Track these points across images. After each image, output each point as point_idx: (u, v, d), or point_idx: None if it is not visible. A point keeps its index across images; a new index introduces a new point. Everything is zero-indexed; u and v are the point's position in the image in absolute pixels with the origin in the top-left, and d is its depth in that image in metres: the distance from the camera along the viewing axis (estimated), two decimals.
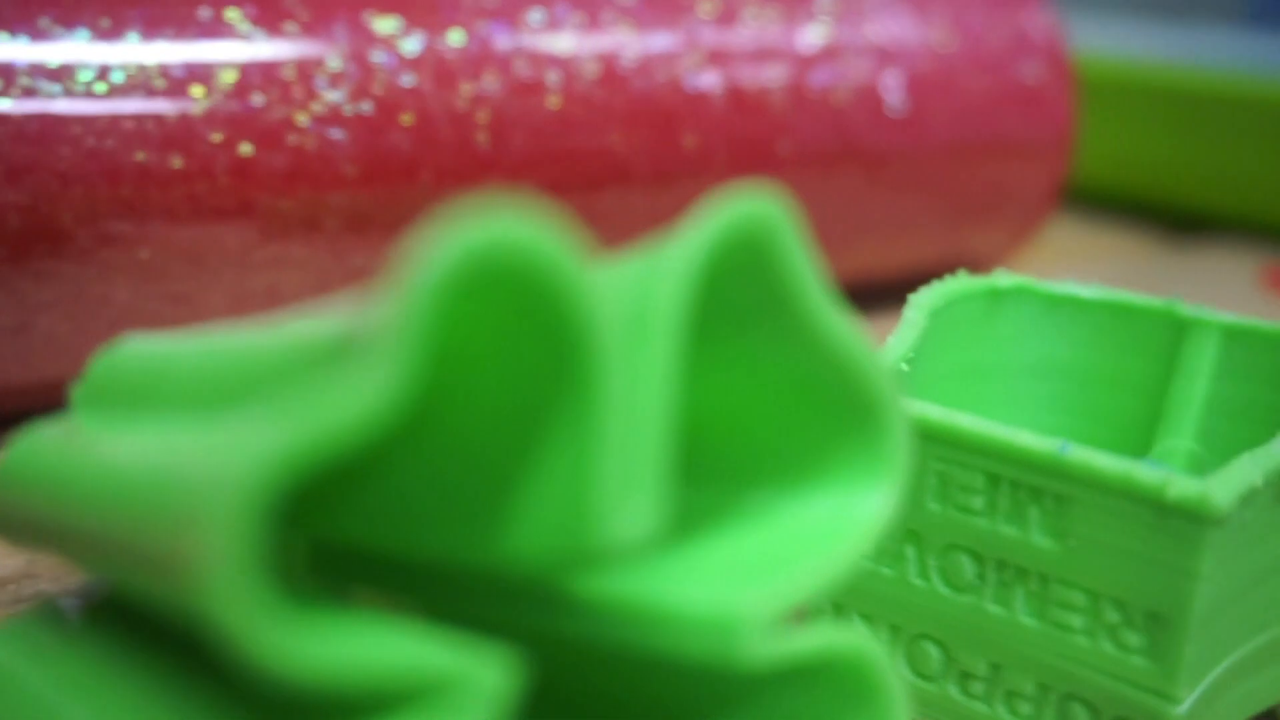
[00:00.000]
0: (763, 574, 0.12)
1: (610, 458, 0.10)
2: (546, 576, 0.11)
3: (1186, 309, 0.20)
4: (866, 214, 0.30)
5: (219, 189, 0.22)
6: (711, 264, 0.11)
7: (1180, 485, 0.14)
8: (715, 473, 0.13)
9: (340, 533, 0.11)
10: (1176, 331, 0.20)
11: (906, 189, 0.31)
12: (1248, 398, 0.20)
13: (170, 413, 0.11)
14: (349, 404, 0.08)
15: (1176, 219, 0.44)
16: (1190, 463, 0.20)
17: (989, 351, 0.21)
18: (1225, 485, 0.14)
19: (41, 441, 0.12)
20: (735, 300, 0.12)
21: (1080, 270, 0.39)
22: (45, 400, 0.23)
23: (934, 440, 0.16)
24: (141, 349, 0.13)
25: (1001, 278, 0.21)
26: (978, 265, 0.35)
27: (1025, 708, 0.16)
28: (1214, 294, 0.37)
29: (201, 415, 0.10)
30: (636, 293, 0.11)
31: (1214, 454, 0.20)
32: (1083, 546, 0.15)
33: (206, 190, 0.22)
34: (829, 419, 0.12)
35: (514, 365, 0.10)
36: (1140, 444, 0.20)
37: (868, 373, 0.12)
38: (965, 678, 0.16)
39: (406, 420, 0.10)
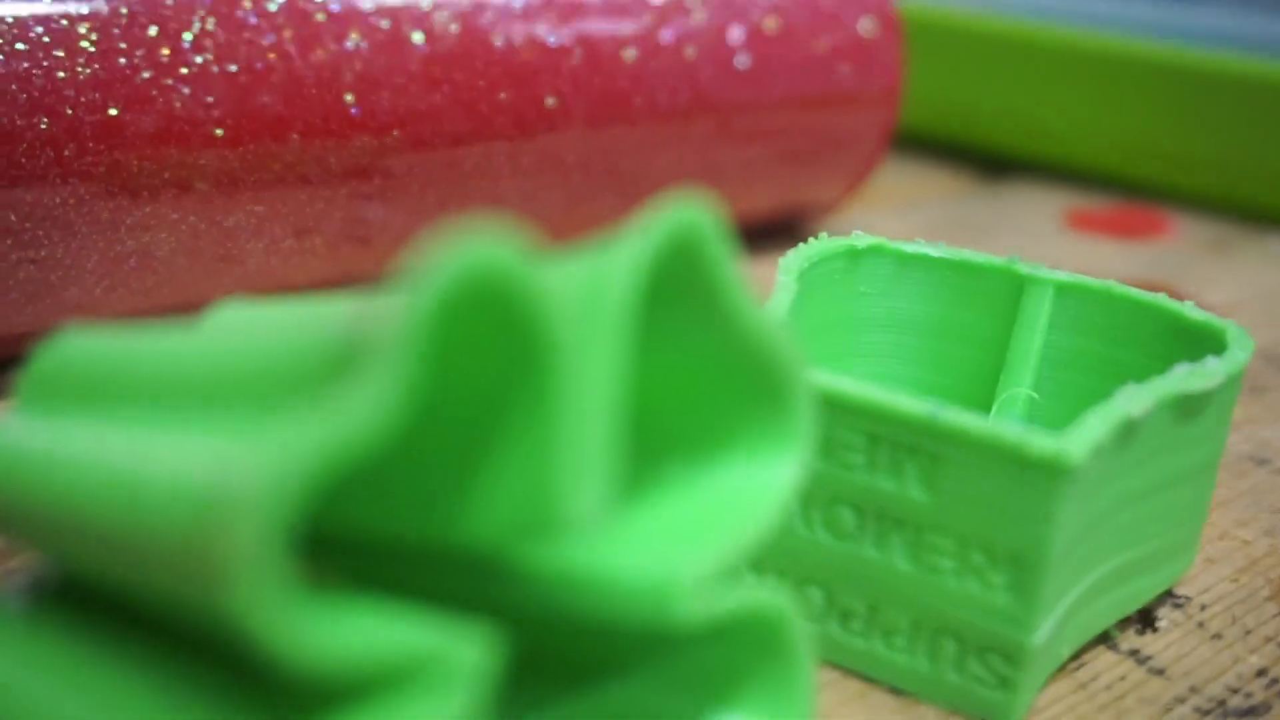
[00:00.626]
0: (691, 541, 0.13)
1: (568, 443, 0.11)
2: (507, 552, 0.12)
3: (1024, 267, 0.22)
4: (715, 164, 0.31)
5: (87, 151, 0.22)
6: (653, 266, 0.12)
7: (1040, 442, 0.16)
8: (642, 447, 0.14)
9: (322, 519, 0.12)
10: (1015, 287, 0.22)
11: (752, 140, 0.32)
12: (1079, 348, 0.22)
13: (144, 412, 0.11)
14: (364, 412, 0.09)
15: (989, 161, 0.47)
16: (1030, 409, 0.22)
17: (848, 308, 0.22)
18: (1079, 440, 0.16)
19: (7, 434, 0.12)
20: (667, 295, 0.13)
21: (906, 210, 0.41)
22: None
23: (819, 403, 0.17)
24: (88, 344, 0.13)
25: (859, 238, 0.22)
26: (815, 211, 0.37)
27: (900, 642, 0.17)
28: (1024, 231, 0.40)
29: (187, 417, 0.11)
30: (588, 291, 0.11)
31: (1051, 401, 0.22)
32: (953, 498, 0.17)
33: (74, 153, 0.22)
34: (745, 398, 0.14)
35: (482, 362, 0.11)
36: (984, 393, 0.22)
37: (781, 356, 0.13)
38: (846, 617, 0.18)
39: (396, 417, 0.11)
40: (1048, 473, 0.16)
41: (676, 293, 0.13)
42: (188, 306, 0.24)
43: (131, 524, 0.10)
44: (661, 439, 0.14)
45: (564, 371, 0.11)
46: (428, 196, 0.26)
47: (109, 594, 0.12)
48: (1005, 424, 0.16)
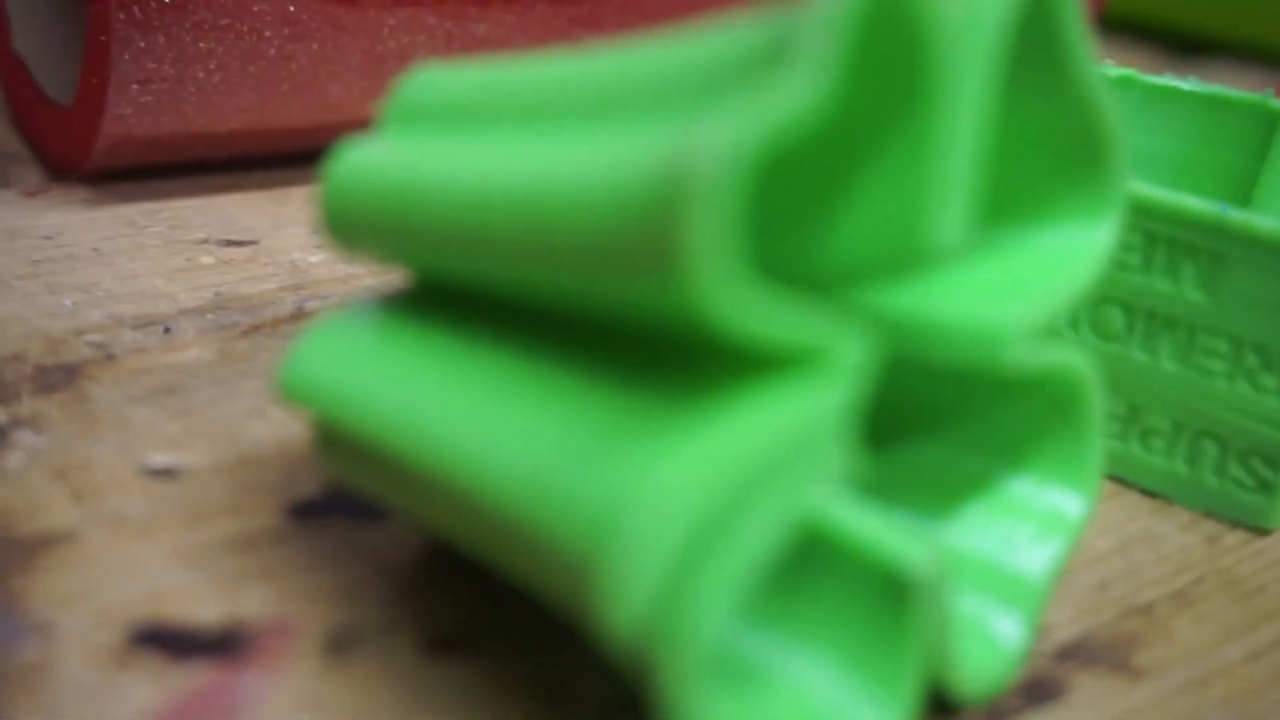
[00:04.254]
0: (1019, 293, 0.13)
1: (941, 166, 0.12)
2: (863, 287, 0.12)
3: (1278, 102, 0.22)
4: None
5: None
6: (1018, 5, 0.12)
7: None
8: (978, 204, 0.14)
9: None
10: (1268, 124, 0.22)
11: None
12: None
13: (531, 127, 0.12)
14: (796, 97, 0.10)
15: (1184, 41, 0.46)
16: None
17: None
18: None
19: (383, 157, 0.13)
20: (1020, 46, 0.13)
21: None
22: (199, 151, 0.23)
23: None
24: (449, 75, 0.13)
25: (1108, 68, 0.22)
26: None
27: (1159, 444, 0.18)
28: None
29: (584, 127, 0.11)
30: (967, 19, 0.12)
31: None
32: (1232, 299, 0.17)
33: None
34: (1072, 159, 0.14)
35: (868, 79, 0.12)
36: None
37: (1109, 120, 0.14)
38: (1105, 418, 0.18)
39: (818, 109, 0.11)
40: None
41: (1028, 44, 0.13)
42: None
43: (549, 217, 0.10)
44: (996, 198, 0.14)
45: (944, 94, 0.12)
46: None
47: (478, 298, 0.13)
48: None
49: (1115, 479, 0.18)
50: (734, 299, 0.10)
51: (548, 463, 0.11)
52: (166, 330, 0.19)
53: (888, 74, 0.12)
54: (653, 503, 0.10)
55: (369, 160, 0.13)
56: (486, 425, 0.11)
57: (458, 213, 0.12)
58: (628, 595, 0.10)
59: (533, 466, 0.11)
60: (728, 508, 0.10)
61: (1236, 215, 0.16)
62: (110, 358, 0.18)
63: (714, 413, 0.10)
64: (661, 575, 0.10)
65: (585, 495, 0.10)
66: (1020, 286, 0.13)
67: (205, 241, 0.22)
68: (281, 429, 0.17)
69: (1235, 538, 0.17)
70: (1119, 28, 0.47)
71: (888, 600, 0.13)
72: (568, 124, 0.12)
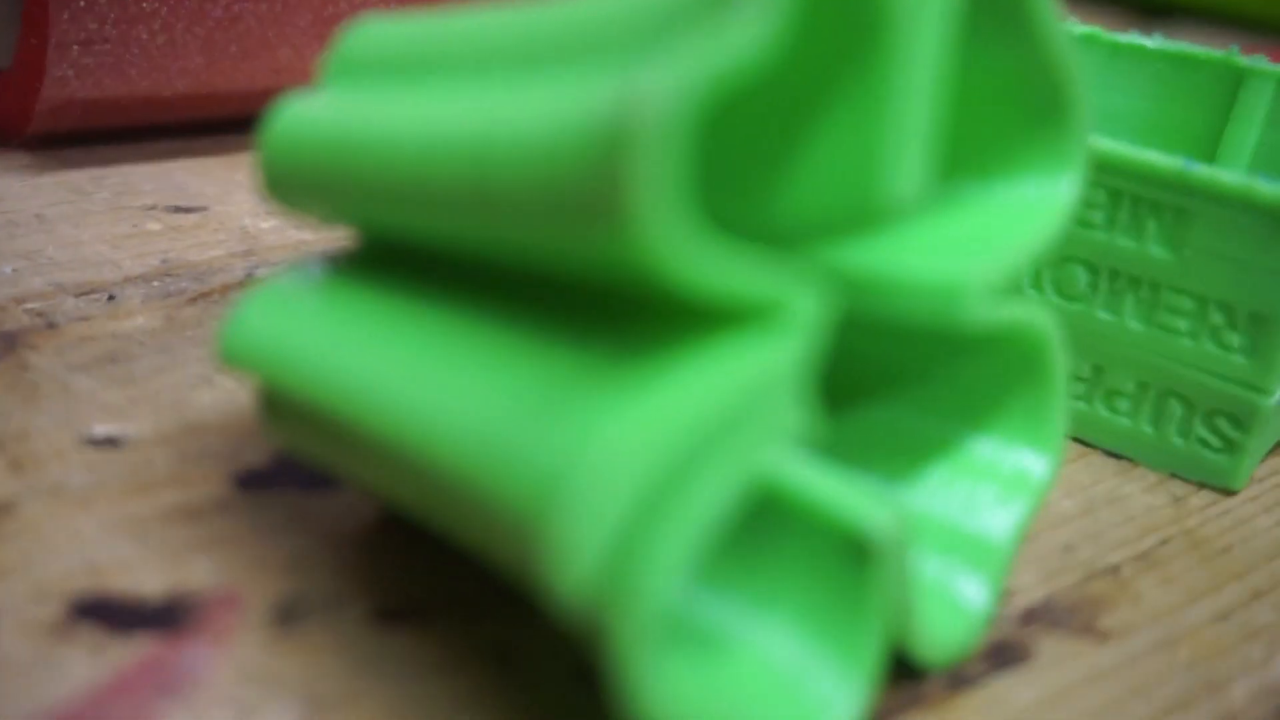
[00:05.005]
0: (978, 248, 0.13)
1: (896, 118, 0.11)
2: (821, 243, 0.12)
3: (1244, 59, 0.21)
4: None
5: None
6: None
7: None
8: (939, 159, 0.14)
9: None
10: (1233, 81, 0.22)
11: None
12: None
13: (475, 78, 0.12)
14: (742, 41, 0.09)
15: (1148, 3, 0.46)
16: None
17: None
18: None
19: (324, 111, 0.12)
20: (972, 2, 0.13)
21: None
22: (145, 115, 0.23)
23: None
24: (392, 27, 0.13)
25: (1072, 26, 0.22)
26: None
27: (1124, 405, 0.18)
28: None
29: (527, 76, 0.11)
30: None
31: None
32: (1197, 255, 0.16)
33: None
34: (1034, 115, 0.13)
35: (822, 31, 0.11)
36: None
37: (1071, 75, 0.13)
38: (1069, 380, 0.18)
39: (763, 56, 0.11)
40: None
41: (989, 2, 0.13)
42: None
43: (493, 169, 0.10)
44: (955, 153, 0.14)
45: (899, 43, 0.11)
46: None
47: (423, 257, 0.12)
48: (1260, 179, 0.16)
49: (1080, 441, 0.18)
50: (682, 250, 0.09)
51: (494, 422, 0.10)
52: (111, 298, 0.19)
53: (841, 22, 0.11)
54: (600, 462, 0.09)
55: (309, 114, 0.13)
56: (432, 385, 0.11)
57: (400, 165, 0.11)
58: (575, 557, 0.09)
59: (479, 426, 0.10)
60: (679, 467, 0.10)
61: (1201, 170, 0.16)
62: (52, 326, 0.18)
63: (664, 369, 0.10)
64: (610, 536, 0.10)
65: (532, 454, 0.10)
66: (981, 242, 0.13)
67: (153, 208, 0.21)
68: (229, 398, 0.17)
69: (1201, 498, 0.17)
70: None
71: (848, 563, 0.12)
72: (510, 73, 0.11)
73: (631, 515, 0.10)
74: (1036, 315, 0.14)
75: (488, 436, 0.10)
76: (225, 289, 0.19)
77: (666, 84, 0.09)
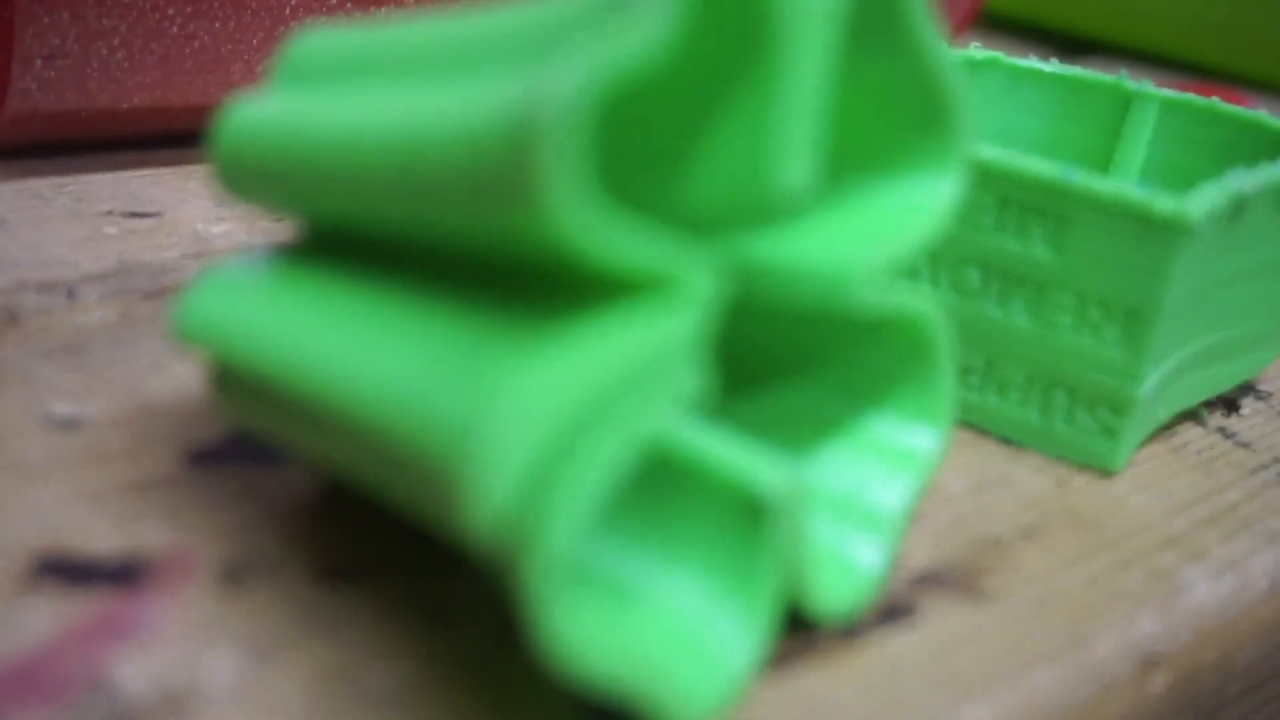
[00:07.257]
0: (862, 240, 0.14)
1: (786, 114, 0.13)
2: (719, 232, 0.14)
3: (1131, 83, 0.23)
4: None
5: None
6: None
7: (1162, 203, 0.17)
8: (828, 160, 0.15)
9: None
10: (1122, 103, 0.23)
11: None
12: (1181, 164, 0.23)
13: (406, 79, 0.13)
14: (636, 41, 0.11)
15: (1068, 43, 0.48)
16: None
17: None
18: (1198, 203, 0.17)
19: (271, 111, 0.14)
20: (855, 12, 0.14)
21: None
22: (104, 126, 0.24)
23: None
24: (333, 37, 0.14)
25: (976, 51, 0.23)
26: None
27: (1014, 395, 0.19)
28: None
29: (453, 78, 0.12)
30: None
31: None
32: (1077, 257, 0.18)
33: None
34: (917, 122, 0.15)
35: (715, 35, 0.13)
36: None
37: (951, 85, 0.15)
38: (965, 372, 0.19)
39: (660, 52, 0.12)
40: (1168, 231, 0.17)
41: (869, 9, 0.14)
42: None
43: (420, 158, 0.11)
44: (843, 155, 0.15)
45: (785, 47, 0.13)
46: None
47: (360, 242, 0.13)
48: (1131, 187, 0.18)
49: (974, 428, 0.20)
50: (585, 227, 0.11)
51: (416, 380, 0.11)
52: (70, 293, 0.20)
53: (733, 27, 0.13)
54: (508, 412, 0.11)
55: (258, 112, 0.14)
56: (362, 351, 0.12)
57: (338, 157, 0.12)
58: (486, 499, 0.11)
59: (403, 385, 0.12)
60: (581, 421, 0.11)
61: (1079, 179, 0.18)
62: (14, 319, 0.19)
63: (569, 333, 0.11)
64: (518, 481, 0.11)
65: (449, 407, 0.11)
66: (866, 234, 0.15)
67: (110, 213, 0.23)
68: (182, 383, 0.18)
69: (1083, 479, 0.19)
70: (1007, 27, 0.49)
71: (747, 522, 0.14)
72: (438, 76, 0.13)
73: (537, 463, 0.11)
74: (920, 303, 0.15)
75: (410, 394, 0.11)
76: (178, 288, 0.20)
77: (567, 80, 0.10)
